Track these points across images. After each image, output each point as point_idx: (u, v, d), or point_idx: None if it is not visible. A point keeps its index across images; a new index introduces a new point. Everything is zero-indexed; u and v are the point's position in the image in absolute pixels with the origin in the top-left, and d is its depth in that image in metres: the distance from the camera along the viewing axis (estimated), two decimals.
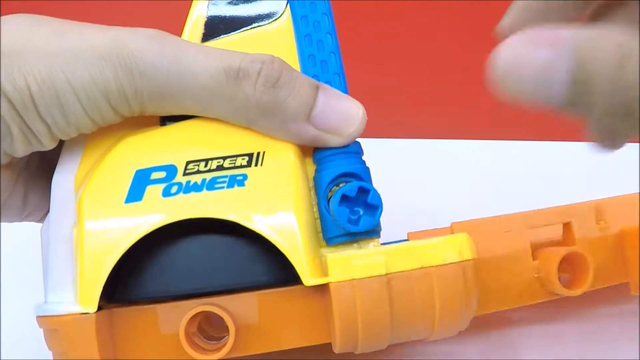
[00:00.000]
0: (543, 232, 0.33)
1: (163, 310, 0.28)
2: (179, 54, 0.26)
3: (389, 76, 0.52)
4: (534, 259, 0.31)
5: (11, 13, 0.26)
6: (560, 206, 0.32)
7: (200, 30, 0.30)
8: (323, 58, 0.29)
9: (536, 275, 0.31)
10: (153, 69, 0.25)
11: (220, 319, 0.29)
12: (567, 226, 0.32)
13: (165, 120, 0.28)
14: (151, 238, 0.27)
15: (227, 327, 0.28)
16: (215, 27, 0.30)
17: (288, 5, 0.30)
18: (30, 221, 0.32)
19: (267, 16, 0.30)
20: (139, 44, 0.26)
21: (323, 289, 0.28)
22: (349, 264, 0.26)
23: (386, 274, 0.27)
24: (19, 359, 0.36)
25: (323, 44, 0.29)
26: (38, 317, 0.27)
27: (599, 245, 0.31)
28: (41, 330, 0.27)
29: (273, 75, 0.26)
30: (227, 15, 0.30)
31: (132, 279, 0.28)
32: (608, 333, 0.38)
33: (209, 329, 0.30)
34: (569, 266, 0.31)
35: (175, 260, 0.28)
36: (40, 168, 0.30)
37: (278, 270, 0.28)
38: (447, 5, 0.55)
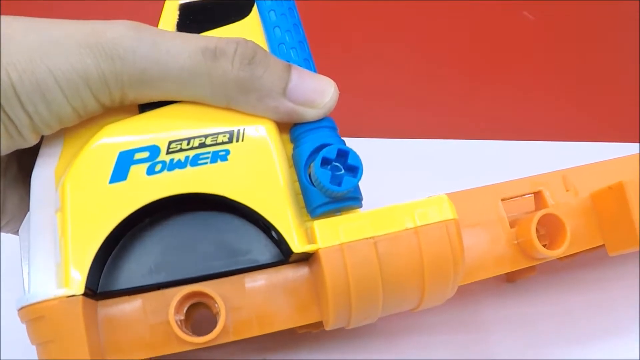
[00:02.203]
0: (517, 207, 0.34)
1: (150, 299, 0.28)
2: (156, 38, 0.27)
3: (385, 76, 0.51)
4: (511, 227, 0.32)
5: (11, 13, 0.26)
6: (529, 177, 0.33)
7: (172, 29, 0.31)
8: (292, 45, 0.30)
9: (516, 242, 0.31)
10: (132, 53, 0.26)
11: (205, 313, 0.28)
12: (538, 195, 0.33)
13: (144, 108, 0.29)
14: (132, 226, 0.27)
15: (215, 311, 0.27)
16: (187, 27, 0.31)
17: (255, 5, 0.32)
18: (7, 232, 0.31)
19: (235, 15, 0.32)
20: (117, 32, 0.26)
21: (311, 263, 0.28)
22: (336, 228, 0.27)
23: (373, 237, 0.27)
24: (19, 359, 0.35)
25: (291, 34, 0.30)
26: (20, 309, 0.26)
27: (572, 210, 0.32)
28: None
29: (248, 54, 0.27)
30: (198, 15, 0.31)
31: (115, 269, 0.27)
32: (580, 321, 0.39)
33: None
34: (546, 231, 0.32)
35: (158, 248, 0.28)
36: (18, 176, 0.30)
37: (263, 251, 0.28)
38: (447, 5, 0.56)
